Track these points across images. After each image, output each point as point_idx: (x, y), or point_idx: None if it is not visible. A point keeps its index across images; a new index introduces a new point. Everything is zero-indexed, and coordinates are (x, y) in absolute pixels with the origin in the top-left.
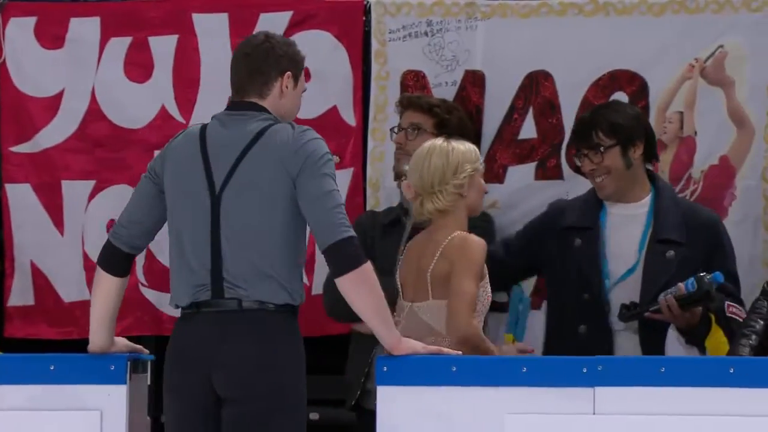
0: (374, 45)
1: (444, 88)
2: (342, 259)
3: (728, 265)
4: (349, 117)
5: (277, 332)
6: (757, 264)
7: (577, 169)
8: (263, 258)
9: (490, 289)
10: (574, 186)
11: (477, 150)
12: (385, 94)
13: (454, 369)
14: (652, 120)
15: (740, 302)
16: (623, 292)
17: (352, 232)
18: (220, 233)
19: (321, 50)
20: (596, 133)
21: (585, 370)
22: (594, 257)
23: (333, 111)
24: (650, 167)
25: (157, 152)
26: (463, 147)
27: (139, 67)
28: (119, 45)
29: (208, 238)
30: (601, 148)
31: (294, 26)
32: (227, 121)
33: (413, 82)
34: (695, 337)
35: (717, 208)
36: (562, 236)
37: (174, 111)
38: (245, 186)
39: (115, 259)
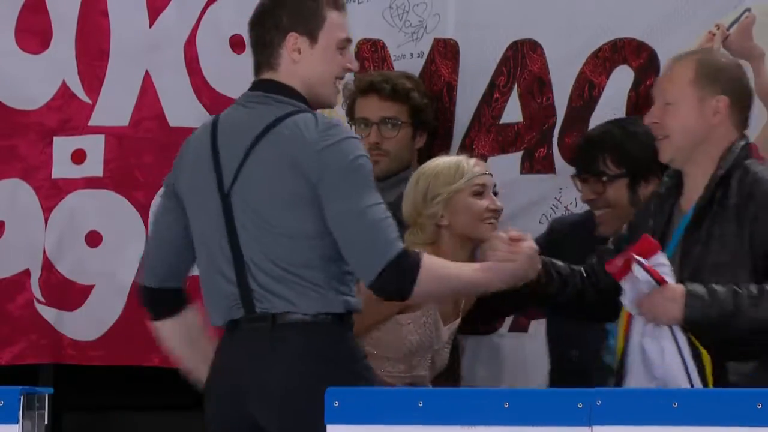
0: None
1: (408, 60)
2: (392, 294)
3: None
4: None
5: (324, 346)
6: None
7: (573, 162)
8: (293, 260)
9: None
10: (568, 181)
11: (464, 164)
12: None
13: (421, 404)
14: None
15: None
16: None
17: (397, 247)
18: (238, 239)
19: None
20: (603, 159)
21: (581, 406)
22: None
23: None
24: None
25: (56, 138)
26: (438, 165)
27: (33, 34)
28: (9, 6)
29: (227, 246)
30: (604, 178)
31: None
32: (243, 105)
33: (370, 54)
34: None
35: None
36: None
37: (77, 88)
38: (256, 185)
39: (159, 300)
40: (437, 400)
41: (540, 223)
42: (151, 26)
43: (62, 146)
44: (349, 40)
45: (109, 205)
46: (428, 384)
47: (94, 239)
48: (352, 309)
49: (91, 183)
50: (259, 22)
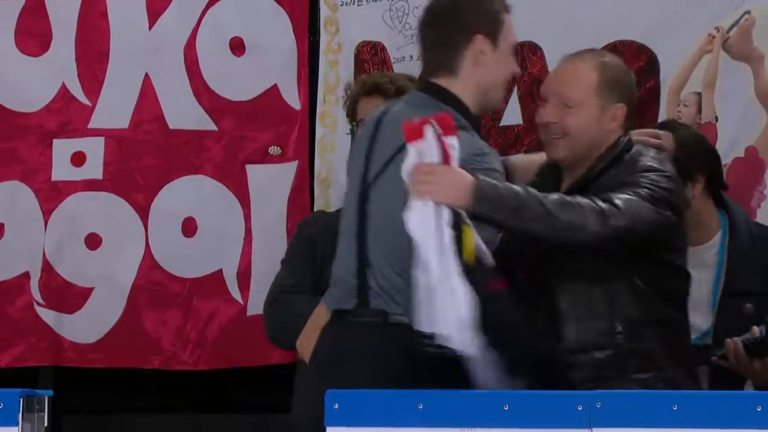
0: (323, 10)
1: (408, 63)
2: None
3: None
4: (293, 99)
5: (425, 353)
6: None
7: None
8: (407, 270)
9: None
10: None
11: None
12: (336, 70)
13: (421, 406)
14: (663, 103)
15: None
16: None
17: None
18: (366, 232)
19: (258, 17)
20: None
21: (581, 408)
22: None
23: (273, 91)
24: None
25: (56, 141)
26: None
27: (33, 36)
28: (8, 9)
29: (355, 235)
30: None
31: None
32: (409, 104)
33: (370, 56)
34: None
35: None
36: None
37: (77, 91)
38: (393, 187)
39: None
40: (437, 402)
41: None
42: (150, 28)
43: (62, 148)
44: (517, 44)
45: (108, 207)
46: None
47: (93, 242)
48: None
49: (90, 185)
50: (440, 21)
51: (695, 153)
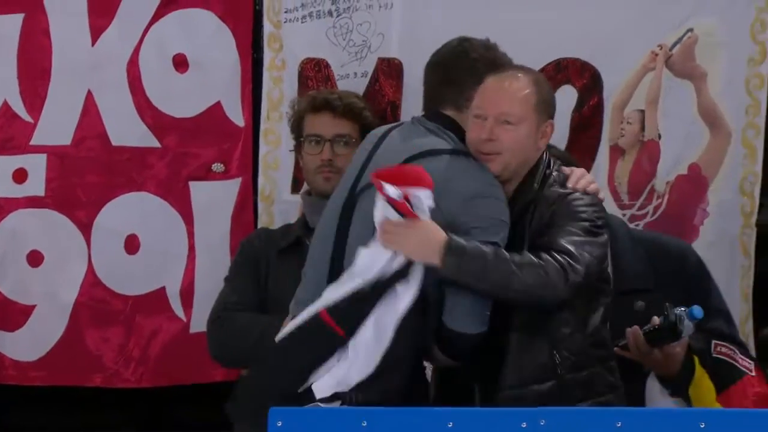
0: (267, 27)
1: (352, 80)
2: (460, 352)
3: (712, 302)
4: (236, 116)
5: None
6: (735, 293)
7: None
8: None
9: None
10: None
11: None
12: (280, 87)
13: (365, 423)
14: (607, 120)
15: (737, 343)
16: None
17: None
18: (346, 238)
19: (201, 33)
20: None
21: (524, 425)
22: None
23: (216, 108)
24: None
25: None
26: None
27: None
28: None
29: (332, 241)
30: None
31: (167, 4)
32: (415, 125)
33: (314, 73)
34: (677, 384)
35: (686, 228)
36: None
37: (19, 108)
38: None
39: None
40: (381, 419)
41: None
42: (93, 45)
43: (3, 165)
44: None
45: (50, 224)
46: None
47: (35, 259)
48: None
49: (32, 202)
50: (454, 63)
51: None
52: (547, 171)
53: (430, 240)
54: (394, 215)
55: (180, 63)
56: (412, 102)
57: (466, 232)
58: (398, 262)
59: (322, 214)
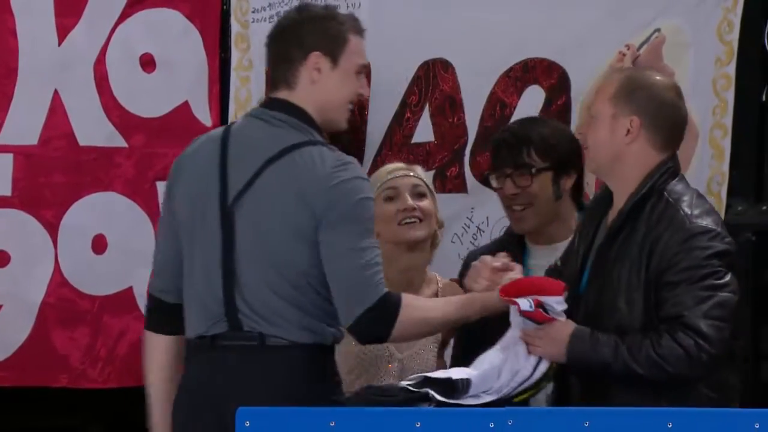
0: (234, 27)
1: None
2: (373, 339)
3: None
4: (204, 116)
5: (308, 375)
6: None
7: (485, 181)
8: (287, 287)
9: None
10: (480, 200)
11: (380, 172)
12: (248, 87)
13: (333, 424)
14: (575, 120)
15: None
16: None
17: (376, 295)
18: (234, 255)
19: (168, 33)
20: (528, 152)
21: (492, 425)
22: None
23: (183, 108)
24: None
25: None
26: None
27: None
28: None
29: (220, 260)
30: (533, 170)
31: (134, 4)
32: (257, 121)
33: None
34: None
35: None
36: None
37: None
38: (261, 205)
39: (162, 312)
40: (349, 419)
41: (452, 242)
42: (60, 45)
43: None
44: (366, 66)
45: (17, 224)
46: None
47: (2, 259)
48: (338, 340)
49: None
50: (281, 37)
51: (573, 150)
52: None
53: (558, 339)
54: (531, 325)
55: (147, 63)
56: (380, 102)
57: (322, 215)
58: (544, 365)
59: (189, 229)
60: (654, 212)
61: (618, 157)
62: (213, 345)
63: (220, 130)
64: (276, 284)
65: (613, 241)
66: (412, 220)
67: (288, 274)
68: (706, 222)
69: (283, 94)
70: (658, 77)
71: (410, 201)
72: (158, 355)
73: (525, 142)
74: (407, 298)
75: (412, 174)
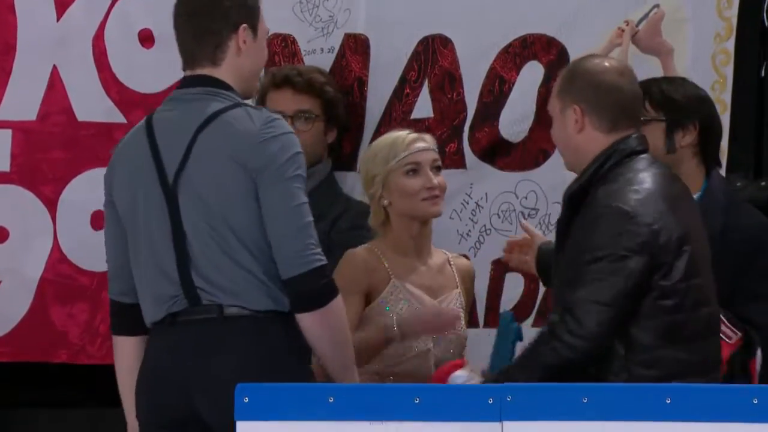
0: None
1: (318, 55)
2: (306, 296)
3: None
4: None
5: (271, 343)
6: None
7: (484, 156)
8: (238, 258)
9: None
10: (479, 177)
11: (399, 141)
12: None
13: (332, 400)
14: None
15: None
16: None
17: (322, 260)
18: (183, 232)
19: (167, 9)
20: (643, 104)
21: (491, 401)
22: None
23: None
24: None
25: None
26: (377, 144)
27: None
28: None
29: (170, 240)
30: (642, 118)
31: None
32: (178, 101)
33: (281, 49)
34: None
35: None
36: None
37: None
38: (201, 176)
39: (124, 315)
40: (348, 395)
41: (450, 218)
42: (58, 20)
43: None
44: (269, 32)
45: (16, 200)
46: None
47: (0, 235)
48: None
49: None
50: (204, 12)
51: (697, 106)
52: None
53: None
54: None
55: (146, 38)
56: (379, 78)
57: (257, 172)
58: None
59: (131, 219)
60: (596, 197)
61: (576, 149)
62: (173, 322)
63: (143, 121)
64: (229, 252)
65: (559, 233)
66: (435, 196)
67: (239, 239)
68: (621, 203)
69: (206, 71)
70: (597, 61)
71: (434, 179)
72: (127, 358)
73: (645, 93)
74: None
75: (432, 148)
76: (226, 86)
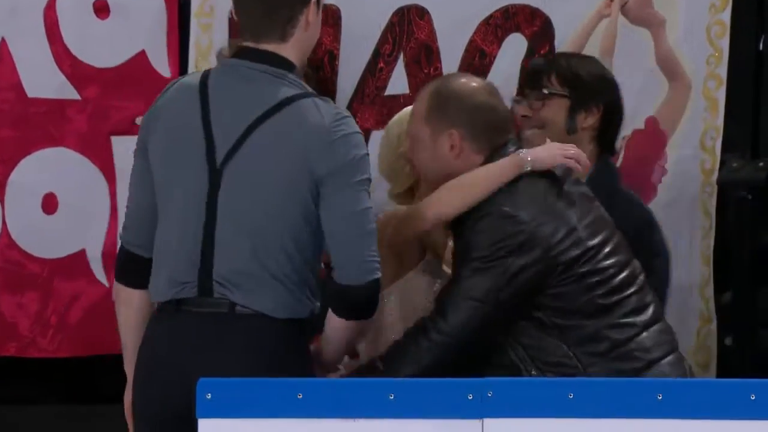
0: None
1: None
2: (355, 307)
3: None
4: (162, 66)
5: (276, 348)
6: (695, 256)
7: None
8: (267, 263)
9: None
10: None
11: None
12: (209, 35)
13: (301, 396)
14: None
15: None
16: None
17: (378, 273)
18: (217, 219)
19: None
20: (548, 77)
21: (471, 397)
22: None
23: (140, 57)
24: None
25: None
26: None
27: None
28: None
29: (201, 224)
30: (546, 91)
31: None
32: (240, 75)
33: None
34: None
35: (643, 187)
36: None
37: None
38: (254, 165)
39: (134, 266)
40: (318, 391)
41: None
42: None
43: None
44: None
45: None
46: None
47: None
48: (312, 316)
49: None
50: None
51: (603, 89)
52: None
53: None
54: None
55: (101, 9)
56: (351, 51)
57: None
58: None
59: (166, 187)
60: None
61: (452, 174)
62: (178, 310)
63: (195, 80)
64: (259, 253)
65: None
66: None
67: (276, 242)
68: (500, 205)
69: (271, 47)
70: (463, 80)
71: None
72: (132, 312)
73: (550, 68)
74: None
75: None
76: (290, 66)
